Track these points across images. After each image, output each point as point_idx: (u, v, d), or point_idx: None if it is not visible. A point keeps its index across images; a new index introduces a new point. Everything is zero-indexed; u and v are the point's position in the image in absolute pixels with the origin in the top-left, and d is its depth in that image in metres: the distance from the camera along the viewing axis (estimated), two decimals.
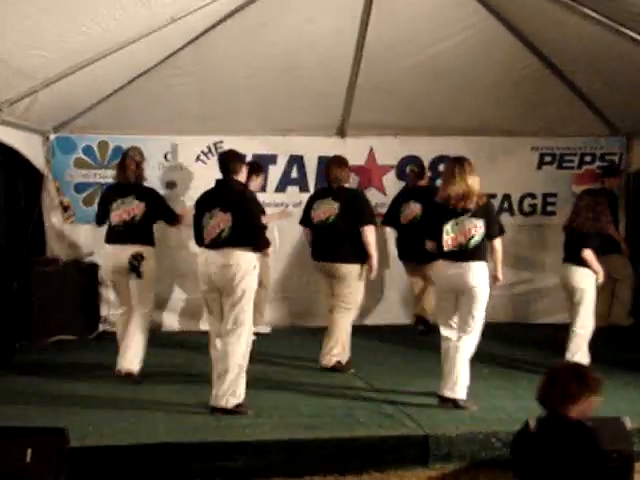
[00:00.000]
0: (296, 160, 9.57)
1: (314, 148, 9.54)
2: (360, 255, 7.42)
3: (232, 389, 6.04)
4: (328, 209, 7.56)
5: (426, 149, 9.68)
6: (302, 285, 9.56)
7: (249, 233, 6.22)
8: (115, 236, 7.22)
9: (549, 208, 10.01)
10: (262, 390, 6.46)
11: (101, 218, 7.45)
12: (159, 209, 7.37)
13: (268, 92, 8.49)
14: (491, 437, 5.49)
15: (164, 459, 5.22)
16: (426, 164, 9.66)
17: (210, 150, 9.32)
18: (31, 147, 8.53)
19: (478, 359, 6.74)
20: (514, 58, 8.20)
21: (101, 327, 9.06)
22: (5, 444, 4.69)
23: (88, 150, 9.13)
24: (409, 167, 9.40)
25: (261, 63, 8.00)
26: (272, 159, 9.44)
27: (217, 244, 6.15)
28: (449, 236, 6.32)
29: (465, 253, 6.29)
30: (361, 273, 7.45)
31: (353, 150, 9.45)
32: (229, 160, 6.46)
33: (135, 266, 7.02)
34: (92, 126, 8.89)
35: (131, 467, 5.16)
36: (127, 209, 7.20)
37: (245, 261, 6.12)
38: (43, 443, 4.72)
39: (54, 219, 9.10)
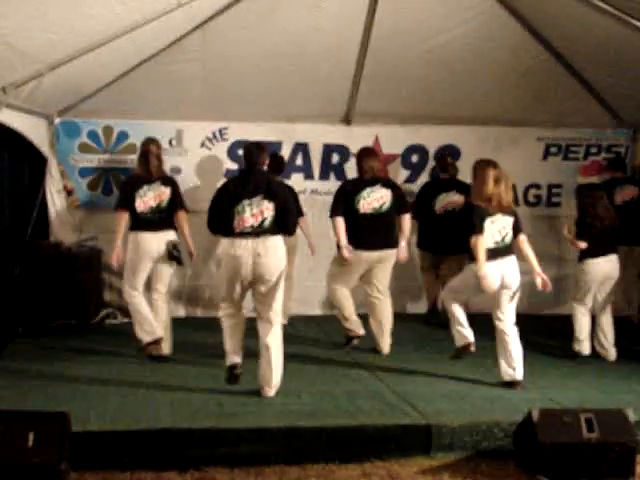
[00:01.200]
0: (301, 147, 9.54)
1: (319, 135, 9.52)
2: (397, 240, 7.81)
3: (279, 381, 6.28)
4: (381, 197, 7.63)
5: (432, 138, 9.66)
6: (304, 273, 9.54)
7: (289, 221, 6.37)
8: (144, 223, 7.32)
9: (554, 199, 9.99)
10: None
11: (123, 203, 7.42)
12: (178, 196, 7.53)
13: (274, 79, 8.46)
14: (493, 427, 5.48)
15: (166, 445, 5.20)
16: (431, 153, 9.66)
17: (215, 136, 9.31)
18: (35, 131, 8.51)
19: (481, 350, 6.75)
20: (522, 48, 8.18)
21: (103, 312, 9.05)
22: (7, 428, 4.70)
23: (93, 135, 9.09)
24: (448, 158, 9.29)
25: (267, 50, 7.98)
26: (277, 146, 9.39)
27: (257, 232, 6.12)
28: (485, 235, 6.47)
29: (504, 250, 6.56)
30: None
31: (358, 138, 9.42)
32: (260, 151, 6.43)
33: (176, 255, 7.32)
34: (97, 111, 8.86)
35: (133, 452, 5.15)
36: (154, 195, 7.36)
37: (282, 247, 6.27)
38: (45, 427, 4.73)
39: (58, 203, 9.07)
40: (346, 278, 7.76)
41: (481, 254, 6.40)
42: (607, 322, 7.67)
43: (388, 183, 7.83)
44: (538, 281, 6.59)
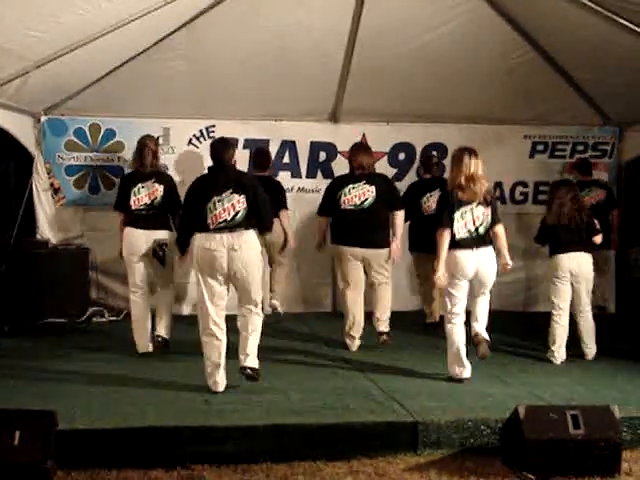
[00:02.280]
0: (288, 145, 9.55)
1: (306, 133, 9.56)
2: (389, 239, 7.74)
3: (255, 355, 6.23)
4: (363, 193, 7.61)
5: (418, 136, 9.70)
6: (291, 271, 9.52)
7: (262, 216, 6.32)
8: (138, 220, 7.40)
9: (540, 197, 9.98)
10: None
11: (119, 204, 7.56)
12: (172, 196, 7.50)
13: (261, 77, 8.46)
14: (480, 424, 5.48)
15: (153, 443, 5.19)
16: (418, 151, 9.68)
17: (202, 134, 9.32)
18: (22, 129, 8.50)
19: (467, 347, 6.75)
20: (508, 46, 8.20)
21: (90, 310, 9.04)
22: None
23: (79, 132, 9.09)
24: (434, 157, 9.21)
25: (254, 48, 7.97)
26: (264, 144, 9.38)
27: (230, 226, 6.11)
28: (459, 224, 6.42)
29: (479, 239, 6.47)
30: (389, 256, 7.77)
31: (345, 136, 9.47)
32: (226, 147, 6.44)
33: (160, 255, 7.32)
34: (84, 108, 8.86)
35: (119, 450, 5.13)
36: (148, 192, 7.43)
37: (256, 241, 6.25)
38: (31, 426, 4.72)
39: (44, 201, 9.06)
40: (347, 276, 7.73)
41: (442, 251, 6.43)
42: (585, 325, 7.47)
43: (374, 180, 7.72)
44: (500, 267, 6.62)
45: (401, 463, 5.24)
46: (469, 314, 6.69)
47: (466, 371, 6.57)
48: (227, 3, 7.29)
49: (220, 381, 6.15)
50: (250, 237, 6.19)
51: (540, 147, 9.98)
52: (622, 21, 6.84)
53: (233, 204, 6.14)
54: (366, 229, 7.57)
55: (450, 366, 6.63)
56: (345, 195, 7.63)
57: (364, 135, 9.53)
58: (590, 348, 7.46)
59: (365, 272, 7.77)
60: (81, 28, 6.36)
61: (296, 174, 9.54)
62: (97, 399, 5.89)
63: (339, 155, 9.58)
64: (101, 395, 6.02)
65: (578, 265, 7.38)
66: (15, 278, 8.38)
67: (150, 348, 7.43)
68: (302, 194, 9.49)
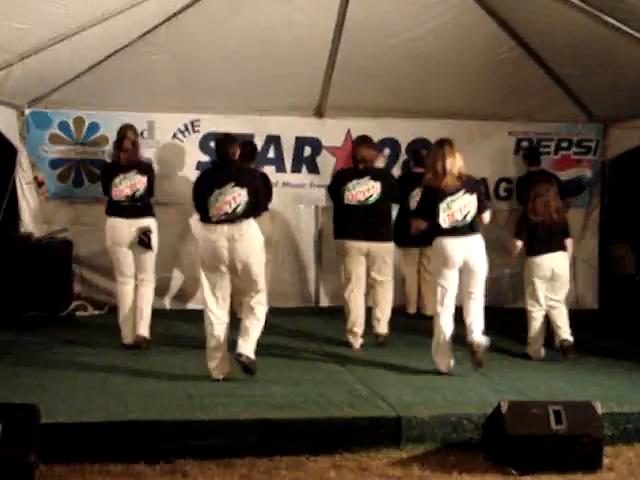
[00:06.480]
0: (273, 140, 9.52)
1: (291, 128, 9.53)
2: (392, 233, 7.85)
3: (254, 346, 6.30)
4: (367, 189, 7.52)
5: (404, 131, 9.69)
6: (277, 266, 9.51)
7: (259, 202, 6.53)
8: (119, 210, 7.37)
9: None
10: (234, 369, 6.39)
11: (106, 190, 7.53)
12: (151, 186, 7.54)
13: (246, 71, 8.44)
14: (463, 419, 5.50)
15: (135, 437, 5.18)
16: (403, 146, 9.68)
17: (187, 128, 9.29)
18: (5, 122, 8.46)
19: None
20: (493, 42, 8.21)
21: (73, 304, 9.01)
22: None
23: (63, 126, 9.05)
24: (423, 150, 9.09)
25: (239, 42, 7.96)
26: (249, 139, 9.35)
27: (230, 218, 6.20)
28: (446, 213, 6.45)
29: (466, 228, 6.51)
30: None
31: (331, 131, 9.49)
32: (230, 143, 6.55)
33: (145, 242, 7.28)
34: (68, 101, 8.82)
35: (102, 444, 5.12)
36: (130, 184, 7.36)
37: (258, 231, 6.35)
38: (14, 419, 4.70)
39: (28, 195, 9.02)
40: (350, 272, 7.65)
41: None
42: (563, 313, 7.36)
43: (379, 175, 7.68)
44: None
45: (384, 458, 5.25)
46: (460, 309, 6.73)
47: (451, 363, 6.67)
48: None
49: (220, 368, 6.28)
50: (251, 227, 6.30)
51: (525, 143, 9.98)
52: (607, 18, 6.86)
53: (234, 197, 6.22)
54: (369, 224, 7.51)
55: (435, 357, 6.69)
56: (349, 190, 7.54)
57: (349, 130, 9.53)
58: (566, 332, 7.28)
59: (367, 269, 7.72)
60: (65, 21, 6.33)
61: (281, 169, 9.52)
62: (79, 393, 5.88)
63: (324, 150, 9.58)
64: (84, 389, 6.00)
65: (559, 265, 7.34)
66: None
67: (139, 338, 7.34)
68: (287, 189, 9.48)
